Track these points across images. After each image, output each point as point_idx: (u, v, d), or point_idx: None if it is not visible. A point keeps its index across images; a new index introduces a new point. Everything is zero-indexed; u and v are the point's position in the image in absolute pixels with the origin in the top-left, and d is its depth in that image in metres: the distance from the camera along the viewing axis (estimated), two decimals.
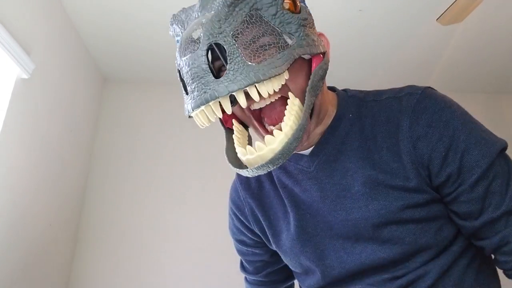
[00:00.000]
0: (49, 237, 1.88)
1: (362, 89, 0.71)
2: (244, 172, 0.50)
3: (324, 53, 0.59)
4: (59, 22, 1.94)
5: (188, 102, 0.48)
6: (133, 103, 2.59)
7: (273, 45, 0.50)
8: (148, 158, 2.45)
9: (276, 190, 0.71)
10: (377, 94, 0.66)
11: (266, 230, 0.72)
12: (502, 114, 2.91)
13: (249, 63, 0.46)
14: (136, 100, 2.60)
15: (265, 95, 0.48)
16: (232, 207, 0.79)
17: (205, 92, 0.45)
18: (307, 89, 0.53)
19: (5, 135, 1.48)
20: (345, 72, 2.63)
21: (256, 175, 0.50)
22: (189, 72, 0.46)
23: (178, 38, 0.57)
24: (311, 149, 0.65)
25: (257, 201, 0.73)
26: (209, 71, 0.45)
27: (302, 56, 0.54)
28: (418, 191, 0.57)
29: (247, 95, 0.48)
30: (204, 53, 0.46)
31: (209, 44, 0.46)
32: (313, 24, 0.60)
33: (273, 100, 0.55)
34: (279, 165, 0.49)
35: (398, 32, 2.25)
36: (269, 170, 0.49)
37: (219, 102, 0.47)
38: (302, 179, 0.66)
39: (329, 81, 2.71)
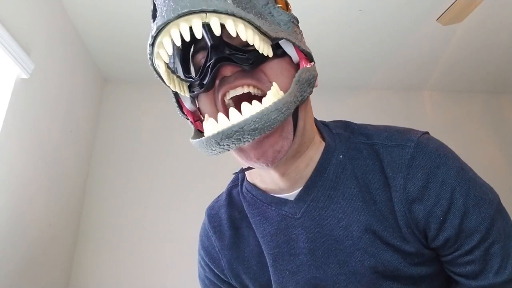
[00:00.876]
0: (49, 237, 1.88)
1: (340, 119, 0.64)
2: (211, 143, 0.41)
3: (312, 61, 0.54)
4: (59, 22, 1.94)
5: (153, 26, 0.40)
6: (133, 104, 2.59)
7: (258, 16, 0.45)
8: (148, 158, 2.45)
9: (255, 237, 0.62)
10: (365, 135, 0.58)
11: (249, 284, 0.63)
12: (501, 113, 2.91)
13: (230, 2, 0.40)
14: (136, 100, 2.60)
15: (249, 40, 0.42)
16: (205, 257, 0.67)
17: (177, 5, 0.37)
18: (294, 80, 0.47)
19: (5, 135, 1.48)
20: (345, 72, 2.63)
21: (227, 148, 0.41)
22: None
23: None
24: (295, 192, 0.57)
25: (235, 252, 0.63)
26: None
27: (289, 54, 0.50)
28: (416, 254, 0.53)
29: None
30: None
31: None
32: (302, 37, 0.57)
33: (251, 90, 0.48)
34: (255, 137, 0.40)
35: (398, 32, 2.25)
36: (242, 143, 0.40)
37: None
38: (286, 227, 0.58)
39: (329, 81, 2.72)
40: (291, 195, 0.57)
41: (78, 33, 2.16)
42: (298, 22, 0.55)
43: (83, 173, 2.30)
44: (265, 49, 0.45)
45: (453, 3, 1.68)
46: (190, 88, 0.49)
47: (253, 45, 0.43)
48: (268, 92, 0.44)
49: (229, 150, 0.44)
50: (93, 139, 2.45)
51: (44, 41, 1.77)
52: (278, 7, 0.52)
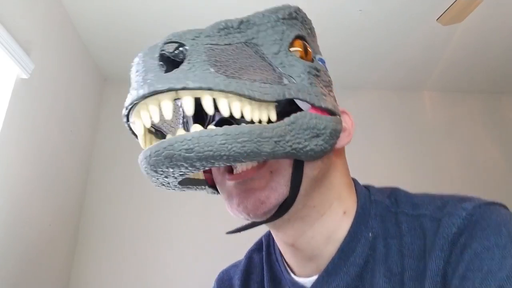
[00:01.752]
0: (49, 237, 1.88)
1: (391, 187, 0.52)
2: (145, 165, 0.35)
3: (338, 115, 0.44)
4: (59, 22, 1.94)
5: (132, 93, 0.35)
6: None
7: (259, 73, 0.38)
8: None
9: None
10: (411, 204, 0.46)
11: None
12: (502, 114, 2.91)
13: (213, 71, 0.34)
14: None
15: (223, 111, 0.34)
16: None
17: (144, 83, 0.33)
18: (286, 119, 0.38)
19: (4, 135, 1.48)
20: (345, 71, 2.63)
21: (162, 174, 0.35)
22: (135, 67, 0.36)
23: None
24: (313, 278, 0.46)
25: None
26: (157, 65, 0.34)
27: (300, 105, 0.40)
28: None
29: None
30: (159, 47, 0.35)
31: (169, 40, 0.35)
32: (330, 85, 0.47)
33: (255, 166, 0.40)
34: (194, 164, 0.33)
35: (398, 32, 2.25)
36: (180, 170, 0.34)
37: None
38: None
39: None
40: (308, 280, 0.47)
41: (78, 33, 2.16)
42: (318, 70, 0.44)
43: (83, 173, 2.30)
44: (263, 116, 0.37)
45: (453, 3, 1.67)
46: None
47: None
48: (246, 113, 0.36)
49: (169, 184, 0.38)
50: (93, 138, 2.45)
51: (44, 41, 1.77)
52: (292, 55, 0.42)
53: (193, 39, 0.36)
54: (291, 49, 0.43)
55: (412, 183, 2.54)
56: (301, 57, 0.43)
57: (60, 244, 2.01)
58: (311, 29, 0.51)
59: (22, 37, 1.58)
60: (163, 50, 0.35)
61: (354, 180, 0.52)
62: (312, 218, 0.44)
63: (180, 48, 0.36)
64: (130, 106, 0.35)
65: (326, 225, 0.45)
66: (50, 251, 1.90)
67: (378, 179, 2.90)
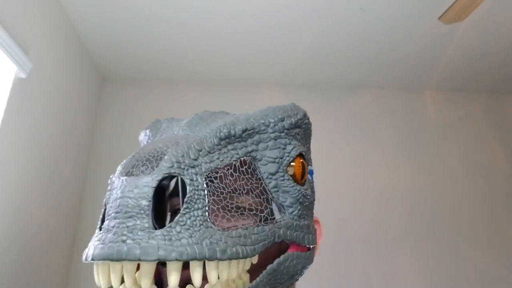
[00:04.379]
0: (47, 237, 1.87)
1: None
2: None
3: (310, 248, 0.44)
4: (57, 21, 1.93)
5: (92, 242, 0.31)
6: (132, 102, 2.58)
7: (254, 211, 0.38)
8: None
9: None
10: None
11: None
12: (504, 114, 2.90)
13: (211, 225, 0.32)
14: (135, 99, 2.59)
15: (212, 281, 0.32)
16: None
17: (122, 242, 0.28)
18: (269, 267, 0.37)
19: (2, 134, 1.47)
20: (345, 71, 2.62)
21: None
22: (118, 201, 0.30)
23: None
24: None
25: None
26: (148, 213, 0.29)
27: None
28: None
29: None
30: (155, 182, 0.30)
31: (167, 174, 0.31)
32: (313, 206, 0.47)
33: None
34: None
35: (399, 30, 2.24)
36: None
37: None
38: None
39: (329, 80, 2.68)
40: None
41: (77, 32, 2.15)
42: (308, 197, 0.43)
43: (81, 172, 2.29)
44: (243, 277, 0.36)
45: (455, 1, 1.66)
46: None
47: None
48: (211, 280, 0.33)
49: None
50: (92, 138, 2.44)
51: (42, 40, 1.76)
52: (288, 177, 0.40)
53: (193, 167, 0.33)
54: (289, 169, 0.41)
55: (413, 183, 2.54)
56: (295, 177, 0.41)
57: (59, 244, 2.01)
58: (310, 133, 0.49)
59: (20, 36, 1.57)
60: (159, 183, 0.31)
61: None
62: None
63: (175, 179, 0.32)
64: (89, 259, 0.30)
65: None
66: (49, 250, 1.89)
67: (378, 179, 2.89)
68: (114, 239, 0.28)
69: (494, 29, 2.27)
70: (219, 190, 0.35)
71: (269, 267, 0.37)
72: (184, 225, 0.30)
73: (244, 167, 0.38)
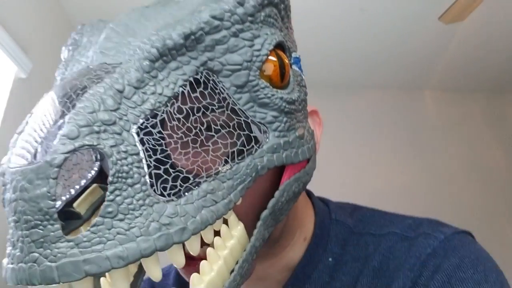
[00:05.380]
0: None
1: (354, 203, 0.47)
2: None
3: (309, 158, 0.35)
4: (58, 21, 1.93)
5: (6, 257, 0.23)
6: None
7: (222, 149, 0.28)
8: None
9: None
10: (378, 224, 0.41)
11: None
12: (504, 113, 2.90)
13: (157, 198, 0.23)
14: None
15: (179, 264, 0.25)
16: None
17: (33, 262, 0.21)
18: (263, 214, 0.31)
19: (2, 135, 1.47)
20: (345, 71, 2.62)
21: None
22: (12, 205, 0.22)
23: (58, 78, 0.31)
24: None
25: None
26: (55, 216, 0.21)
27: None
28: None
29: None
30: (53, 172, 0.21)
31: (69, 154, 0.21)
32: (305, 103, 0.36)
33: None
34: None
35: (399, 30, 2.24)
36: None
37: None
38: None
39: (329, 80, 2.69)
40: None
41: None
42: (294, 101, 0.32)
43: None
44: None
45: (455, 1, 1.66)
46: None
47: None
48: (215, 244, 0.27)
49: None
50: None
51: (42, 40, 1.76)
52: (264, 86, 0.30)
53: (113, 124, 0.22)
54: (264, 69, 0.30)
55: (412, 183, 2.53)
56: (273, 80, 0.30)
57: None
58: (289, 9, 0.37)
59: (20, 36, 1.57)
60: (59, 167, 0.21)
61: (310, 194, 0.45)
62: (274, 254, 0.39)
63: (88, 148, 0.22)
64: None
65: (287, 256, 0.40)
66: None
67: (378, 179, 2.89)
68: (22, 259, 0.21)
69: (494, 29, 2.27)
70: (164, 141, 0.25)
71: (263, 215, 0.30)
72: (115, 216, 0.21)
73: (199, 89, 0.27)
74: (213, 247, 0.28)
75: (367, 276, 0.38)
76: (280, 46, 0.32)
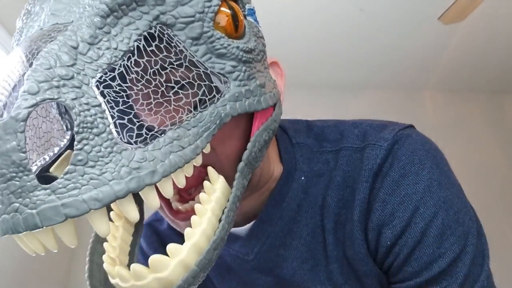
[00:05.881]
0: None
1: (308, 119, 0.50)
2: None
3: (274, 105, 0.37)
4: None
5: None
6: None
7: (184, 99, 0.29)
8: None
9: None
10: (331, 140, 0.45)
11: None
12: (504, 113, 2.90)
13: (125, 146, 0.24)
14: None
15: (153, 206, 0.26)
16: None
17: (15, 211, 0.22)
18: (240, 166, 0.33)
19: None
20: (345, 71, 2.62)
21: None
22: None
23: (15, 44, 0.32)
24: (248, 226, 0.45)
25: None
26: (28, 167, 0.22)
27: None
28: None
29: None
30: (21, 127, 0.22)
31: (32, 108, 0.22)
32: (264, 54, 0.38)
33: None
34: None
35: (399, 31, 2.24)
36: None
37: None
38: (239, 270, 0.47)
39: (329, 81, 2.70)
40: (243, 229, 0.45)
41: None
42: (252, 50, 0.33)
43: None
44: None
45: (455, 1, 1.66)
46: None
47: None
48: (201, 199, 0.30)
49: None
50: None
51: None
52: (219, 35, 0.30)
53: (71, 78, 0.23)
54: (218, 20, 0.30)
55: None
56: (227, 31, 0.31)
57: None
58: None
59: None
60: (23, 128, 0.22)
61: None
62: (257, 193, 0.43)
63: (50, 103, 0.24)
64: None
65: (266, 186, 0.44)
66: (49, 251, 1.89)
67: None
68: (4, 210, 0.22)
69: (494, 29, 2.27)
70: (125, 93, 0.26)
71: (239, 167, 0.33)
72: (86, 163, 0.22)
73: (154, 43, 0.27)
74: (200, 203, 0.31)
75: (334, 189, 0.43)
76: None
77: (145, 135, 0.25)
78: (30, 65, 0.23)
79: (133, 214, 0.25)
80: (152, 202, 0.26)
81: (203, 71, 0.29)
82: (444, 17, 1.76)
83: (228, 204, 0.31)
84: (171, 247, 0.28)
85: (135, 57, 0.26)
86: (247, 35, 0.33)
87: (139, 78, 0.27)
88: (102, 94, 0.24)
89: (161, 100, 0.28)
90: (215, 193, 0.31)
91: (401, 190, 0.39)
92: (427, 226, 0.38)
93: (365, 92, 2.82)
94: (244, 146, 0.34)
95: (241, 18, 0.33)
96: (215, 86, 0.30)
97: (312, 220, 0.43)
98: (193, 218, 0.30)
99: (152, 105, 0.27)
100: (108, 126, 0.23)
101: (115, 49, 0.26)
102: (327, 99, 2.71)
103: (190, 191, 0.36)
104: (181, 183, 0.28)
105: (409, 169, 0.40)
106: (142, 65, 0.27)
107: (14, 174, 0.22)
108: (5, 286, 1.52)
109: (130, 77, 0.26)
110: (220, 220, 0.30)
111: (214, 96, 0.30)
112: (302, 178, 0.44)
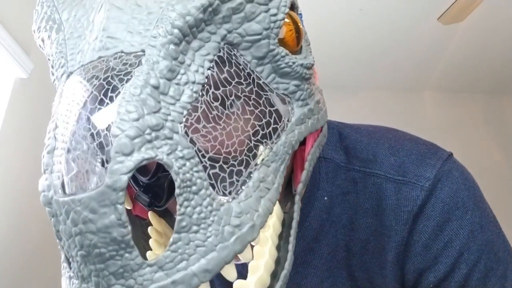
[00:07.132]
0: (48, 237, 1.87)
1: (340, 123, 0.48)
2: None
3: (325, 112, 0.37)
4: None
5: None
6: None
7: (261, 127, 0.26)
8: None
9: None
10: (363, 160, 0.42)
11: None
12: (503, 114, 2.90)
13: (221, 199, 0.22)
14: None
15: (247, 259, 0.25)
16: None
17: None
18: (299, 189, 0.29)
19: (3, 135, 1.48)
20: (345, 71, 2.62)
21: None
22: (77, 239, 0.20)
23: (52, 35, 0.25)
24: None
25: None
26: (131, 243, 0.19)
27: None
28: None
29: None
30: (119, 196, 0.19)
31: (132, 169, 0.19)
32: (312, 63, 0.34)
33: None
34: None
35: (398, 31, 2.24)
36: None
37: None
38: None
39: (329, 81, 2.72)
40: None
41: None
42: (311, 58, 0.31)
43: None
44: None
45: (454, 2, 1.67)
46: None
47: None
48: (252, 266, 0.24)
49: None
50: None
51: None
52: (284, 53, 0.27)
53: (162, 128, 0.20)
54: (281, 34, 0.27)
55: None
56: (288, 45, 0.27)
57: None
58: None
59: (21, 36, 1.57)
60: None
61: None
62: None
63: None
64: None
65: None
66: (50, 250, 1.89)
67: None
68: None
69: (493, 30, 2.28)
70: (211, 136, 0.23)
71: (299, 189, 0.29)
72: (190, 229, 0.20)
73: (225, 68, 0.24)
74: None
75: (362, 214, 0.41)
76: (293, 8, 0.29)
77: (235, 182, 0.22)
78: (104, 105, 0.20)
79: (234, 274, 0.23)
80: (230, 274, 0.23)
81: (269, 96, 0.26)
82: (443, 18, 1.76)
83: (292, 232, 0.27)
84: (237, 284, 0.24)
85: (212, 89, 0.23)
86: (304, 48, 0.30)
87: (219, 114, 0.24)
88: (191, 141, 0.21)
89: (242, 137, 0.25)
90: (272, 218, 0.27)
91: (445, 236, 0.38)
92: (471, 271, 0.38)
93: (365, 92, 2.82)
94: (291, 165, 0.31)
95: (302, 30, 0.29)
96: (276, 110, 0.27)
97: (334, 239, 0.42)
98: (256, 248, 0.25)
99: (236, 145, 0.24)
100: (205, 180, 0.21)
101: (193, 83, 0.22)
102: (327, 99, 2.68)
103: None
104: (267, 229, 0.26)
105: (453, 213, 0.38)
106: (220, 98, 0.23)
107: (115, 253, 0.19)
108: (5, 286, 1.52)
109: (212, 115, 0.23)
110: (278, 249, 0.27)
111: (283, 122, 0.26)
112: (325, 198, 0.42)
